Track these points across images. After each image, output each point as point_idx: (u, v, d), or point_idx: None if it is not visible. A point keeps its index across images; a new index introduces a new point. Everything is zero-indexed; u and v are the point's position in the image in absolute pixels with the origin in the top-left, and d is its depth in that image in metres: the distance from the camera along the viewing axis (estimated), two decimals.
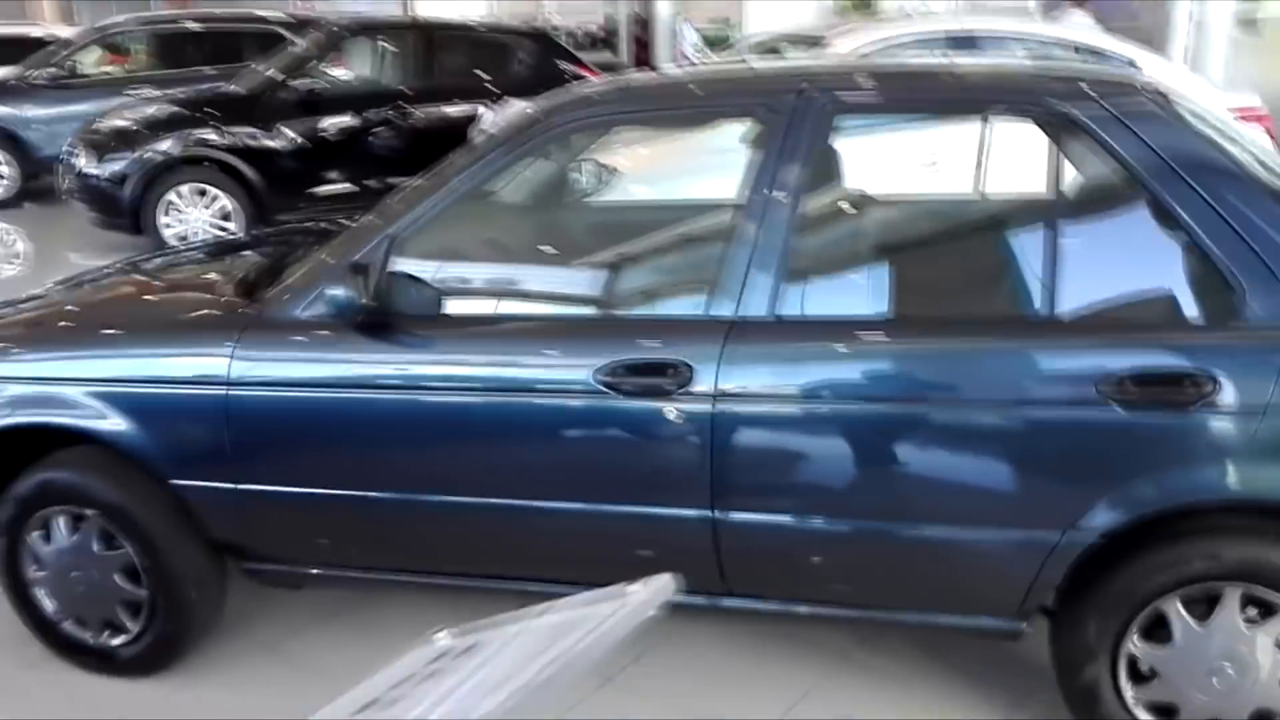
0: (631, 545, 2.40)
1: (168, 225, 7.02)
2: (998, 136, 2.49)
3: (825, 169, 2.44)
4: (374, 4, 20.70)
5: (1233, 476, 2.07)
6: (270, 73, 7.32)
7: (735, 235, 2.28)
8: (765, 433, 2.26)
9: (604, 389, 2.27)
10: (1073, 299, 2.16)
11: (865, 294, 2.41)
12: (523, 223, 3.05)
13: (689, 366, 2.23)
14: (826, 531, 2.28)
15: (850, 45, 5.32)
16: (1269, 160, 2.50)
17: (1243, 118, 5.66)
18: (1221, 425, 2.05)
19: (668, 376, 2.24)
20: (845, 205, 2.62)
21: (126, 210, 6.95)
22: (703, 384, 2.23)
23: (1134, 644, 2.24)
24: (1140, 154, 2.14)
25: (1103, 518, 2.14)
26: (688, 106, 2.51)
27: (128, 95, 8.43)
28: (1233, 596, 2.18)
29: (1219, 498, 2.10)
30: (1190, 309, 2.14)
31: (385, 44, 7.94)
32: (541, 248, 2.75)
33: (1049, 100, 2.22)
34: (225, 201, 7.03)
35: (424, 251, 2.53)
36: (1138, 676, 2.28)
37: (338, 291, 2.28)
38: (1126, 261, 2.23)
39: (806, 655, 2.76)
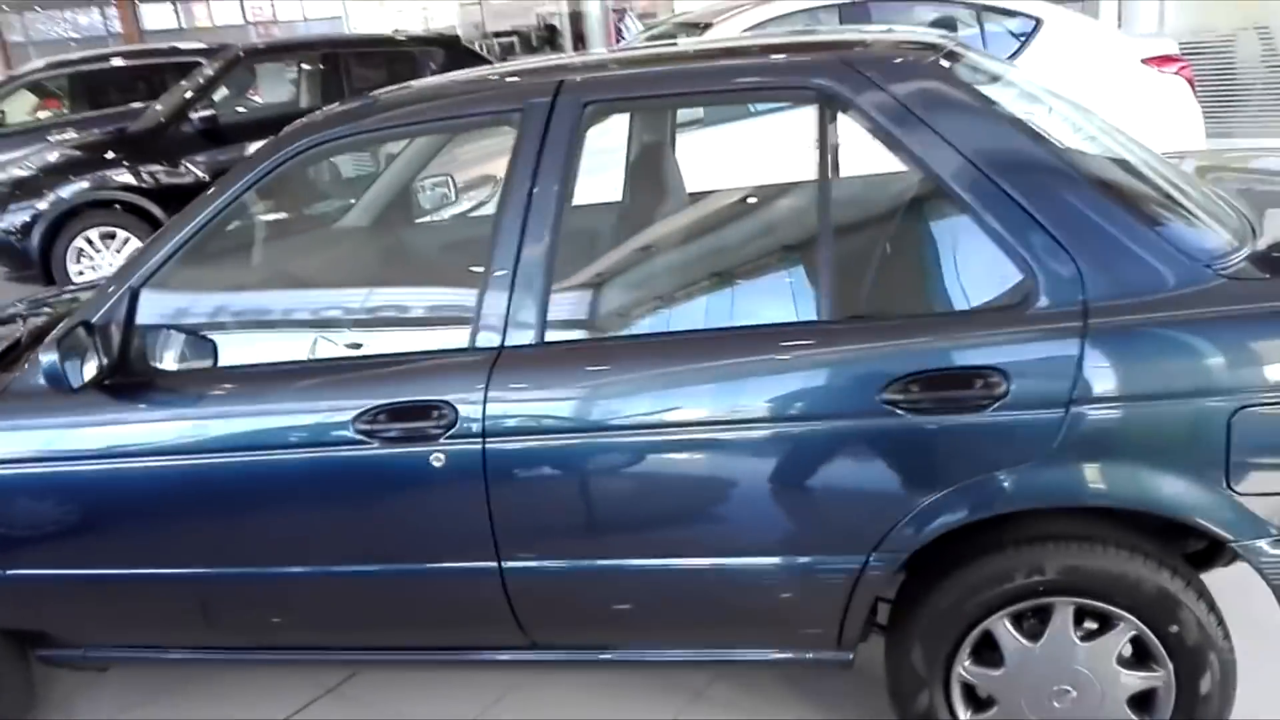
0: (425, 606, 2.20)
1: (80, 273, 6.85)
2: (783, 124, 2.26)
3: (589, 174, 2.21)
4: (333, 26, 20.54)
5: (1041, 480, 1.86)
6: (168, 106, 7.11)
7: (495, 255, 2.07)
8: (540, 472, 2.05)
9: (363, 438, 2.06)
10: (850, 299, 1.95)
11: (637, 310, 2.19)
12: (290, 255, 2.83)
13: (450, 407, 2.02)
14: (616, 572, 2.07)
15: (736, 26, 5.08)
16: (1087, 129, 2.28)
17: (1159, 65, 5.44)
18: (1022, 425, 1.83)
19: (431, 419, 2.03)
20: (614, 213, 2.40)
21: (35, 261, 6.77)
22: (469, 424, 2.02)
23: (965, 668, 2.04)
24: (915, 132, 1.91)
25: (907, 537, 1.93)
26: (437, 117, 2.28)
27: (49, 141, 8.23)
28: (1064, 611, 1.97)
29: (1029, 504, 1.89)
30: (978, 300, 1.92)
31: (295, 66, 7.73)
32: (308, 279, 2.53)
33: (813, 79, 1.99)
34: (138, 243, 6.85)
35: (187, 297, 2.33)
36: (978, 703, 2.08)
37: (52, 356, 2.06)
38: (907, 252, 2.00)
39: (665, 692, 2.56)
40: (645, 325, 2.17)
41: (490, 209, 2.24)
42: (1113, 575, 1.92)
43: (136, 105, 8.09)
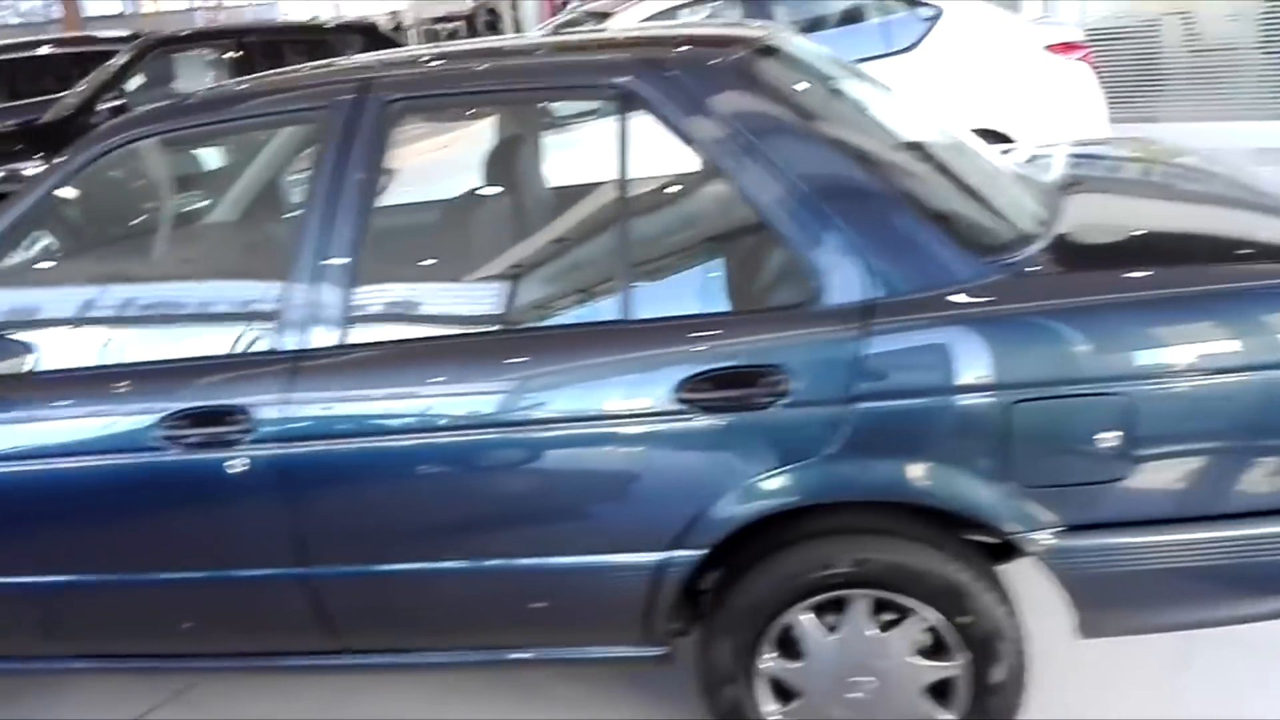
0: (235, 614, 2.19)
1: None
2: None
3: (392, 173, 2.20)
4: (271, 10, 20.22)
5: (824, 475, 1.88)
6: (80, 97, 7.00)
7: (298, 256, 2.05)
8: (339, 476, 2.04)
9: (167, 443, 2.04)
10: (648, 298, 1.95)
11: (442, 311, 2.18)
12: (107, 256, 2.78)
13: (249, 411, 2.01)
14: (424, 575, 2.07)
15: (635, 16, 5.07)
16: (902, 123, 2.29)
17: (1062, 52, 5.49)
18: (805, 421, 1.85)
19: (229, 424, 2.02)
20: (419, 213, 2.39)
21: None
22: (267, 429, 2.01)
23: (769, 661, 2.06)
24: (711, 132, 1.92)
25: (703, 532, 1.94)
26: (246, 116, 2.26)
27: None
28: (860, 603, 2.00)
29: (814, 499, 1.91)
30: (767, 300, 1.93)
31: (213, 54, 7.62)
32: (125, 279, 2.48)
33: (612, 79, 1.98)
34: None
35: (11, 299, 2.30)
36: (785, 695, 2.10)
37: None
38: (703, 252, 2.02)
39: (498, 691, 2.57)
40: (449, 326, 2.16)
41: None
42: (904, 567, 1.94)
43: (51, 96, 7.94)
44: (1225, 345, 1.78)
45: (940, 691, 2.03)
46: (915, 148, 2.20)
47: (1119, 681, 2.36)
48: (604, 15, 5.34)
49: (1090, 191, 2.44)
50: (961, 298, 1.84)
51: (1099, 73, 5.57)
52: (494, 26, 14.24)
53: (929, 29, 5.39)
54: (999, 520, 1.86)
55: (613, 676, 2.57)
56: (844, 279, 1.85)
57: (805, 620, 2.02)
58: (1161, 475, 1.83)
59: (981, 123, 5.34)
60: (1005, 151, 2.75)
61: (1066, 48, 5.53)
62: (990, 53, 5.37)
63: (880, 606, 2.00)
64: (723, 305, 1.95)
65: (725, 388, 1.86)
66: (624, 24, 5.07)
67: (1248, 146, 7.66)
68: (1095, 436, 1.79)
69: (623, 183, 1.97)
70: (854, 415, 1.83)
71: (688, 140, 1.93)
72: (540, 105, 2.29)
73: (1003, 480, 1.83)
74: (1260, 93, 8.47)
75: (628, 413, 1.90)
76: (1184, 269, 1.89)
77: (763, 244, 1.91)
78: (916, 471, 1.86)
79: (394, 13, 14.96)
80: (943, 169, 2.14)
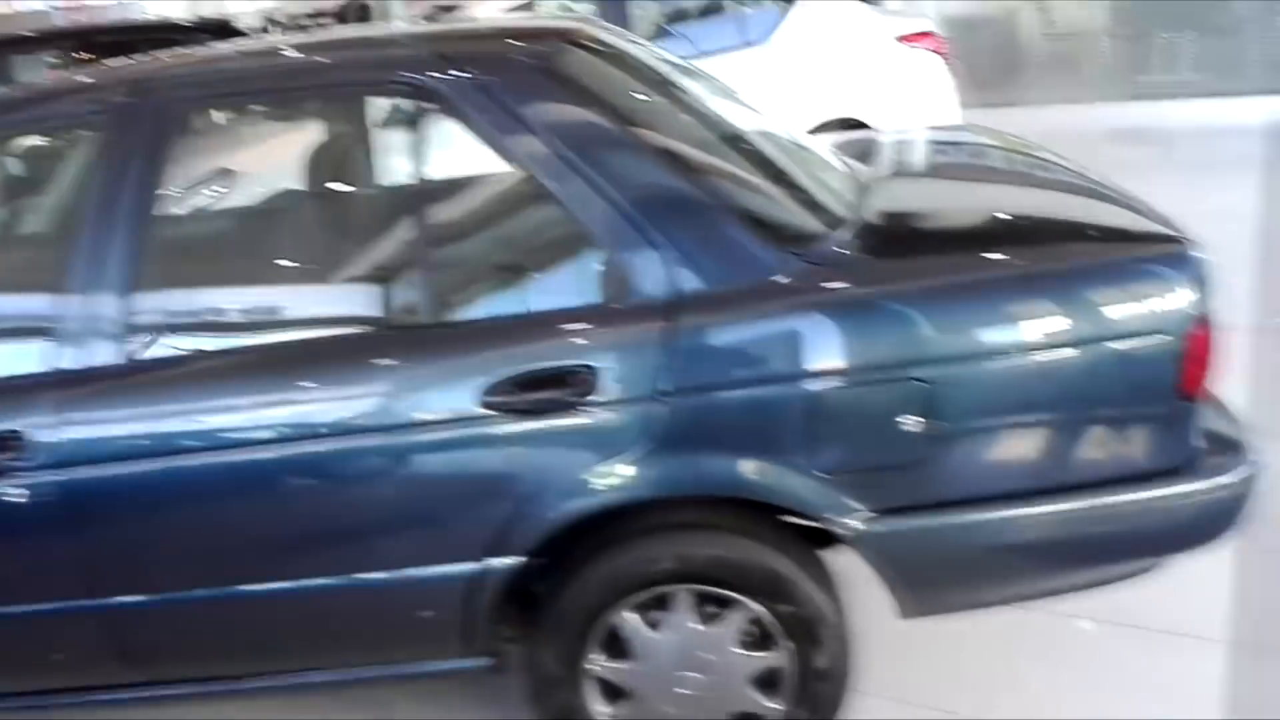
0: (38, 647, 2.08)
1: None
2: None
3: (176, 179, 2.10)
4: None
5: (635, 472, 1.86)
6: None
7: (74, 268, 1.94)
8: (125, 501, 1.93)
9: None
10: (453, 302, 1.91)
11: (233, 323, 2.09)
12: None
13: (16, 436, 1.89)
14: (224, 599, 1.99)
15: (492, 7, 5.00)
16: (715, 112, 2.29)
17: (913, 41, 5.60)
18: (613, 421, 1.83)
19: (4, 450, 1.90)
20: (211, 221, 2.30)
21: None
22: (44, 454, 1.90)
23: (596, 662, 2.04)
24: (510, 128, 1.88)
25: (519, 539, 1.91)
26: (22, 119, 2.13)
27: None
28: (683, 598, 1.99)
29: (627, 498, 1.89)
30: (574, 299, 1.90)
31: (56, 55, 7.24)
32: None
33: (405, 74, 1.92)
34: None
35: None
36: (616, 695, 2.09)
37: None
38: (509, 251, 1.98)
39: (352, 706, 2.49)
40: (240, 338, 2.07)
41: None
42: (724, 560, 1.94)
43: None
44: (1019, 327, 1.82)
45: (768, 682, 2.04)
46: (729, 141, 2.20)
47: (959, 658, 2.40)
48: (450, 7, 5.25)
49: (913, 177, 2.48)
50: (767, 290, 1.84)
51: (961, 61, 5.70)
52: (365, 19, 13.91)
53: (780, 21, 5.44)
54: (811, 508, 1.87)
55: (455, 686, 2.52)
56: (650, 276, 1.84)
57: (629, 619, 2.00)
58: (968, 456, 1.86)
59: (838, 113, 5.44)
60: (839, 141, 2.77)
61: (917, 37, 5.64)
62: (842, 43, 5.45)
63: (704, 600, 1.99)
64: (530, 306, 1.91)
65: (533, 391, 1.83)
66: (478, 15, 4.99)
67: (1102, 127, 8.00)
68: (899, 420, 1.81)
69: (422, 182, 1.92)
70: (664, 411, 1.82)
71: (486, 137, 1.88)
72: (340, 102, 2.20)
73: (811, 468, 1.84)
74: (1111, 76, 8.83)
75: (433, 420, 1.85)
76: (987, 254, 1.92)
77: (569, 242, 1.89)
78: (728, 464, 1.86)
79: (262, 10, 14.50)
80: (755, 162, 2.14)
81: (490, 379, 1.82)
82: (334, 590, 1.96)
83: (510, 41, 2.08)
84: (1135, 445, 1.87)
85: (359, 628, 2.02)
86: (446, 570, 1.93)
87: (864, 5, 5.95)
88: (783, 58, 5.34)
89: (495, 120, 1.88)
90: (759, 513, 1.94)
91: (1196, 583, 2.35)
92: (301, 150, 2.26)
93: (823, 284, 1.85)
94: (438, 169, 1.94)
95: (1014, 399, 1.84)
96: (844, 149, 2.63)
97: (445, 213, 1.94)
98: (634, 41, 2.54)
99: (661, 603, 2.00)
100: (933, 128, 3.50)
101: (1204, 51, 8.35)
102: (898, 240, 2.09)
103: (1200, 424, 1.91)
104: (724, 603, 1.99)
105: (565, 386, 1.82)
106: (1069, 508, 1.87)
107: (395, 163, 2.05)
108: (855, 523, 1.88)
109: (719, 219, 1.87)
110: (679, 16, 5.74)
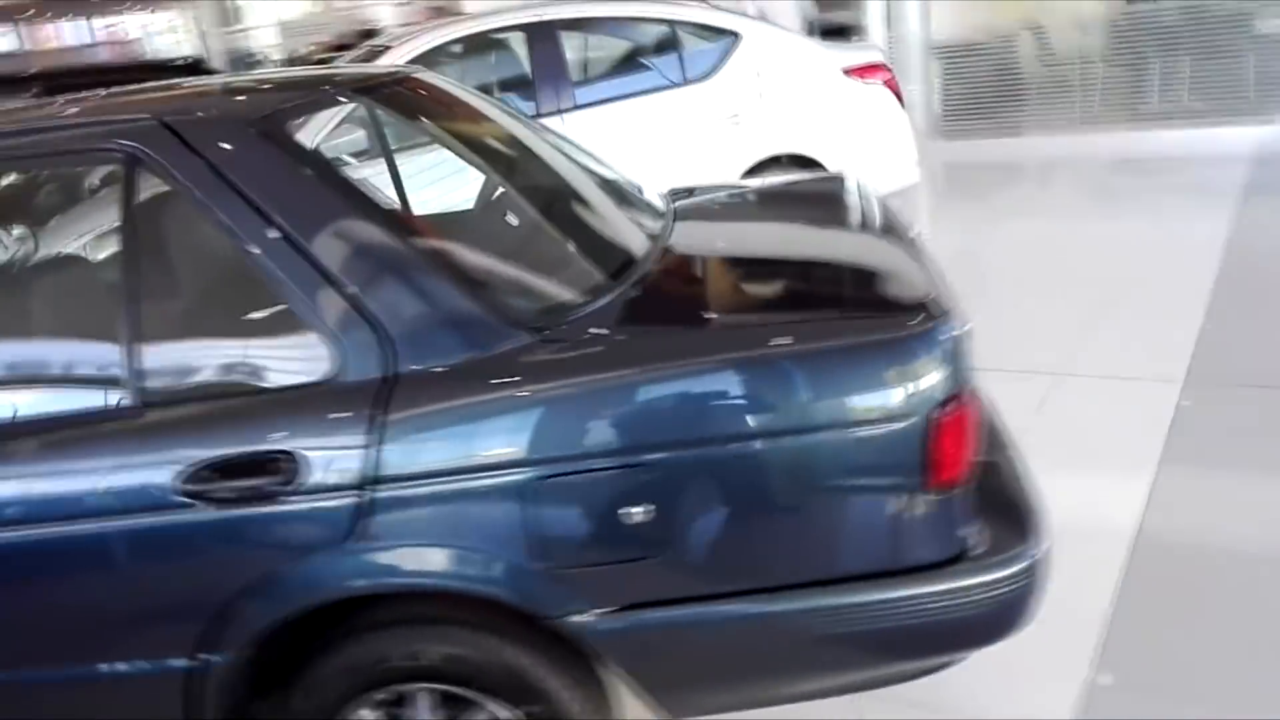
0: None
1: None
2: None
3: None
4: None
5: (344, 566, 1.74)
6: None
7: None
8: None
9: None
10: (158, 378, 1.78)
11: None
12: None
13: None
14: None
15: (407, 51, 4.93)
16: (500, 166, 2.18)
17: (862, 75, 5.45)
18: (319, 511, 1.71)
19: None
20: None
21: None
22: None
23: None
24: (223, 196, 1.76)
25: (234, 634, 1.79)
26: None
27: None
28: (421, 698, 1.86)
29: (337, 594, 1.77)
30: (284, 379, 1.77)
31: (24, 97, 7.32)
32: None
33: (120, 141, 1.81)
34: None
35: None
36: None
37: None
38: (215, 327, 1.86)
39: None
40: None
41: None
42: (460, 658, 1.81)
43: None
44: (748, 413, 1.66)
45: None
46: (509, 203, 2.09)
47: None
48: (376, 52, 5.19)
49: (691, 245, 2.32)
50: (486, 371, 1.71)
51: (958, 87, 5.50)
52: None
53: (724, 56, 5.32)
54: (532, 602, 1.73)
55: None
56: (361, 354, 1.72)
57: (368, 718, 1.88)
58: (701, 549, 1.71)
59: (783, 148, 5.31)
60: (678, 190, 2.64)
61: (867, 70, 5.50)
62: (788, 78, 5.32)
63: (449, 699, 1.86)
64: (235, 386, 1.78)
65: (233, 478, 1.71)
66: (395, 60, 4.93)
67: (1109, 158, 7.79)
68: (623, 511, 1.67)
69: (131, 253, 1.81)
70: (368, 502, 1.69)
71: (200, 206, 1.77)
72: (58, 167, 2.07)
73: (528, 562, 1.70)
74: (1111, 101, 8.60)
75: (130, 508, 1.74)
76: (722, 332, 1.79)
77: (284, 319, 1.76)
78: (441, 558, 1.73)
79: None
80: (526, 228, 2.02)
81: (188, 464, 1.71)
82: (63, 679, 1.86)
83: (242, 99, 1.97)
84: (886, 539, 1.71)
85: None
86: (164, 664, 1.82)
87: (810, 40, 5.82)
88: (726, 94, 5.23)
89: (210, 190, 1.77)
90: (505, 609, 1.81)
91: None
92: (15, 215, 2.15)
93: (542, 367, 1.72)
94: (148, 238, 1.83)
95: (746, 487, 1.69)
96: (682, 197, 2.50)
97: (154, 285, 1.82)
98: (456, 91, 2.44)
99: (402, 701, 1.87)
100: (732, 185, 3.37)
101: (1203, 77, 8.09)
102: (648, 312, 1.92)
103: (965, 513, 1.75)
104: (468, 703, 1.85)
105: (266, 474, 1.70)
106: (814, 605, 1.72)
107: (104, 232, 1.95)
108: (583, 619, 1.73)
109: (445, 293, 1.75)
110: (623, 56, 5.64)
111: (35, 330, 1.99)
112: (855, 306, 1.85)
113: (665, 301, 1.96)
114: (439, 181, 2.15)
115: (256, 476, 1.70)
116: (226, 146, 1.79)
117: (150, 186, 1.81)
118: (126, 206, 1.81)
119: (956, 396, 1.68)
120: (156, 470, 1.73)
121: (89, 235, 2.12)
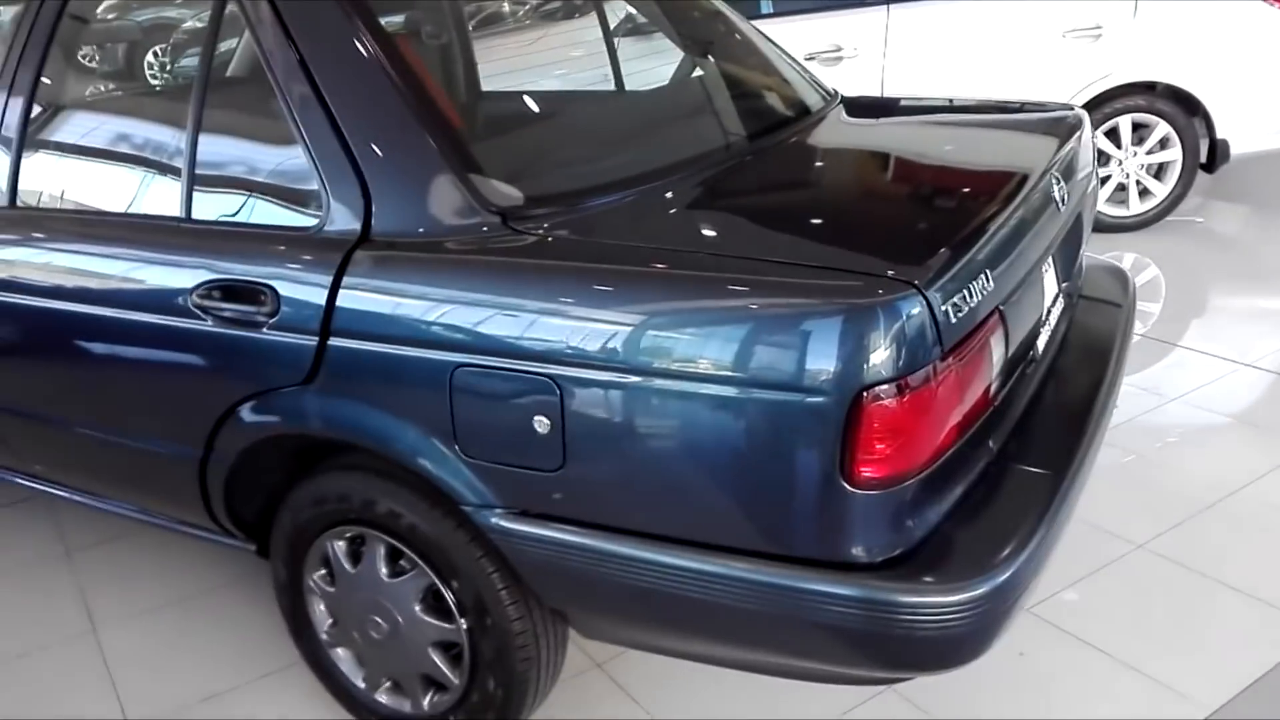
0: None
1: None
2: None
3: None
4: None
5: (299, 405, 1.85)
6: None
7: None
8: None
9: None
10: (201, 201, 1.97)
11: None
12: None
13: None
14: (38, 418, 2.34)
15: None
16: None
17: None
18: (286, 347, 1.82)
19: None
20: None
21: None
22: None
23: (317, 579, 2.09)
24: (271, 37, 1.86)
25: (227, 439, 2.00)
26: None
27: None
28: (376, 545, 1.97)
29: (292, 428, 1.90)
30: (285, 216, 1.87)
31: None
32: None
33: None
34: None
35: None
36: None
37: None
38: (253, 158, 1.98)
39: None
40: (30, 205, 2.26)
41: None
42: (399, 517, 1.88)
43: None
44: (667, 346, 1.51)
45: (453, 650, 1.96)
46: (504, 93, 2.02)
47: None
48: None
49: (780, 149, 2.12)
50: (444, 245, 1.71)
51: None
52: None
53: None
54: (451, 490, 1.74)
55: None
56: (345, 210, 1.78)
57: (337, 548, 2.02)
58: (599, 476, 1.61)
59: (1159, 75, 4.53)
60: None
61: None
62: None
63: (398, 553, 1.95)
64: (253, 218, 1.91)
65: (232, 300, 1.86)
66: None
67: None
68: (535, 419, 1.61)
69: (205, 81, 1.98)
70: (327, 350, 1.78)
71: (259, 48, 1.88)
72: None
73: (452, 448, 1.71)
74: None
75: (158, 306, 1.96)
76: (668, 251, 1.63)
77: (297, 161, 1.85)
78: (374, 420, 1.78)
79: None
80: (518, 113, 1.96)
81: (199, 280, 1.89)
82: (103, 441, 2.22)
83: None
84: (781, 521, 1.50)
85: (131, 476, 2.28)
86: (179, 449, 2.08)
87: None
88: None
89: (267, 33, 1.87)
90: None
91: None
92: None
93: (488, 255, 1.68)
94: (220, 72, 2.00)
95: (641, 425, 1.55)
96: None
97: (212, 117, 1.98)
98: None
99: (365, 541, 1.99)
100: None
101: None
102: (642, 218, 1.79)
103: (896, 515, 1.48)
104: (413, 561, 1.93)
105: (255, 304, 1.84)
106: (678, 563, 1.58)
107: (186, 63, 2.13)
108: (488, 516, 1.72)
109: (431, 168, 1.75)
110: None
111: (124, 137, 2.25)
112: (830, 258, 1.58)
113: (668, 212, 1.82)
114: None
115: (248, 304, 1.85)
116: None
117: (234, 29, 1.96)
118: (210, 44, 1.98)
119: (901, 383, 1.41)
120: (184, 277, 1.93)
121: (187, 63, 2.35)
